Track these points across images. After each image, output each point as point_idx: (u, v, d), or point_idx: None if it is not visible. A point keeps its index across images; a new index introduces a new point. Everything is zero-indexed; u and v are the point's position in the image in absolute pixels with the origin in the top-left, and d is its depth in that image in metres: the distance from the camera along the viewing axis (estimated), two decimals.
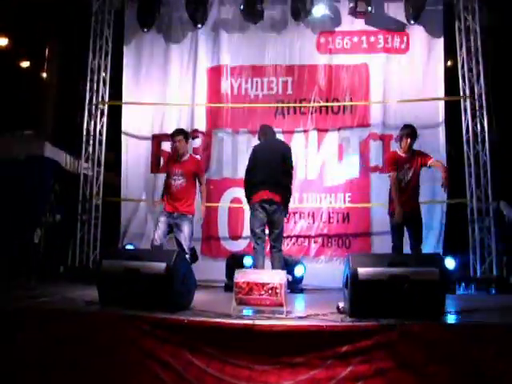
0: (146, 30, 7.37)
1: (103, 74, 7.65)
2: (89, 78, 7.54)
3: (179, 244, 5.26)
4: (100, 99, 7.57)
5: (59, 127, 8.96)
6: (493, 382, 2.91)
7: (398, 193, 5.13)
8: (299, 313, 3.56)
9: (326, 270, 6.63)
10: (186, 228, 5.22)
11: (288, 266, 5.57)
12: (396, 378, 2.92)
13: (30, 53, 9.27)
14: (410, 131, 5.31)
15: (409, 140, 5.27)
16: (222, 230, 7.05)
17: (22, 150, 7.67)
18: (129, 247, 6.62)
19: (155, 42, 7.54)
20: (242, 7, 7.00)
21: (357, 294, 3.35)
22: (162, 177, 7.21)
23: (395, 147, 6.77)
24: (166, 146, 7.34)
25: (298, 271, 6.15)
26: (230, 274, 5.97)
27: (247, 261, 6.03)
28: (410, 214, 5.16)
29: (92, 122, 7.49)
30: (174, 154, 5.53)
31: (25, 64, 9.46)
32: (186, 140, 5.55)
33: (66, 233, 7.40)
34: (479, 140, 6.88)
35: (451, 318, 3.40)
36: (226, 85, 7.33)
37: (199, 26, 7.25)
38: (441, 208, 6.79)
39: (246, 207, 7.06)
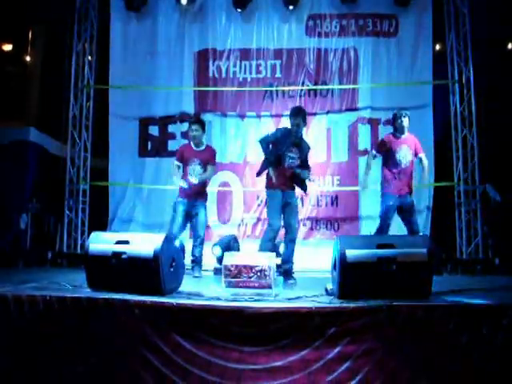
0: (132, 12, 7.26)
1: (89, 57, 7.52)
2: (74, 62, 7.41)
3: (195, 231, 5.40)
4: (86, 83, 7.46)
5: (44, 112, 8.82)
6: (481, 363, 2.94)
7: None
8: (288, 295, 3.56)
9: (314, 252, 6.66)
10: (203, 215, 5.38)
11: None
12: (383, 358, 2.95)
13: (14, 36, 9.07)
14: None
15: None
16: (211, 214, 7.03)
17: (6, 135, 7.56)
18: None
19: (142, 24, 7.40)
20: None
21: (345, 276, 3.36)
22: (150, 161, 7.25)
23: (383, 131, 6.87)
24: (154, 129, 7.30)
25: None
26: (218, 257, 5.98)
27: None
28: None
29: (78, 106, 7.38)
30: (191, 143, 5.45)
31: (8, 47, 9.26)
32: (203, 129, 5.49)
33: (53, 218, 7.35)
34: (467, 123, 6.92)
35: (438, 299, 3.43)
36: (213, 68, 7.28)
37: (187, 8, 7.16)
38: (428, 191, 6.85)
39: (235, 192, 7.10)
